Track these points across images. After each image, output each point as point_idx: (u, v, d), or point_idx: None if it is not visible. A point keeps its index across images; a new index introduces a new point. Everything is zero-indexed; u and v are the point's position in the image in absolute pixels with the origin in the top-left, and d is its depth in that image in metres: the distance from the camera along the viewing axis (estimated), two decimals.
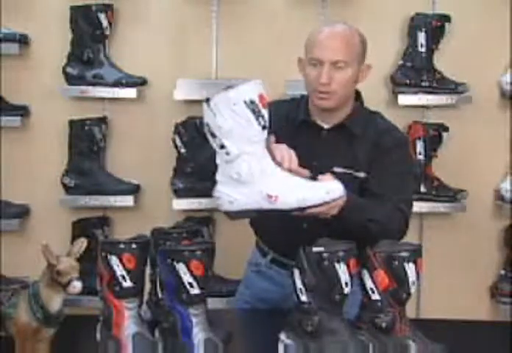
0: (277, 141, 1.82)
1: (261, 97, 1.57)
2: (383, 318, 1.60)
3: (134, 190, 3.05)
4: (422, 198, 3.05)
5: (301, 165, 1.74)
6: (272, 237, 2.14)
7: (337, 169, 1.96)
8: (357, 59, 1.98)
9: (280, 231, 2.07)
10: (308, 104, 2.07)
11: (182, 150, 2.96)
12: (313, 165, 1.82)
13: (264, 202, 1.63)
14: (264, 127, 1.60)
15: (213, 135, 1.60)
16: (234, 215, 1.67)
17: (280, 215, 1.99)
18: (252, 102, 1.56)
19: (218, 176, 1.66)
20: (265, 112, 1.59)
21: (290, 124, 2.06)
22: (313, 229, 1.99)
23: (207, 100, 1.58)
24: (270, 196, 1.62)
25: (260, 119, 1.58)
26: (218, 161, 1.65)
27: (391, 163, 1.98)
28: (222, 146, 1.60)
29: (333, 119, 2.04)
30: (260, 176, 1.62)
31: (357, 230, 1.85)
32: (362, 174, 1.99)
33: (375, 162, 1.98)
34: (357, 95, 2.10)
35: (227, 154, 1.60)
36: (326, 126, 2.05)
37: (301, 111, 2.07)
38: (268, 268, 2.17)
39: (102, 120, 3.04)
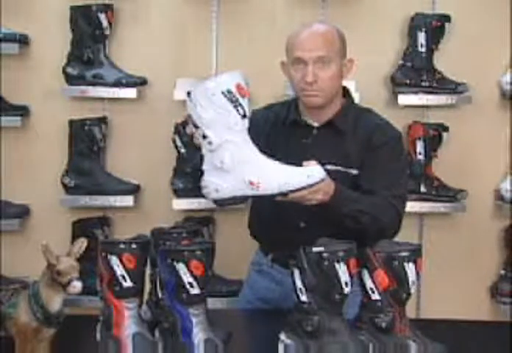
0: (269, 142, 1.91)
1: (238, 87, 1.62)
2: (383, 318, 1.60)
3: (134, 190, 3.05)
4: (422, 198, 3.06)
5: (294, 164, 1.76)
6: (271, 237, 2.14)
7: (329, 167, 1.97)
8: (339, 54, 2.01)
9: (278, 231, 2.08)
10: (298, 104, 2.10)
11: (182, 150, 2.96)
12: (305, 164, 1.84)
13: (247, 189, 1.67)
14: (244, 116, 1.65)
15: (196, 126, 1.66)
16: (221, 203, 1.71)
17: (276, 214, 2.01)
18: (229, 92, 1.61)
19: (204, 166, 1.71)
20: (243, 102, 1.64)
21: (282, 125, 2.11)
22: (311, 228, 2.00)
23: (189, 93, 1.64)
24: (252, 183, 1.66)
25: (239, 108, 1.63)
26: (203, 151, 1.70)
27: (382, 160, 2.00)
28: (204, 136, 1.65)
29: (322, 117, 2.06)
30: (242, 164, 1.67)
31: (349, 222, 1.88)
32: (354, 171, 2.01)
33: (366, 159, 2.00)
34: (346, 92, 2.12)
35: (210, 143, 1.66)
36: (316, 125, 2.07)
37: (292, 111, 2.11)
38: (269, 268, 2.17)
39: (102, 120, 3.04)
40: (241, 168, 1.67)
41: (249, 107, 1.67)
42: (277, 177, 1.67)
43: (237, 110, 1.63)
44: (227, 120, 1.63)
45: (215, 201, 1.72)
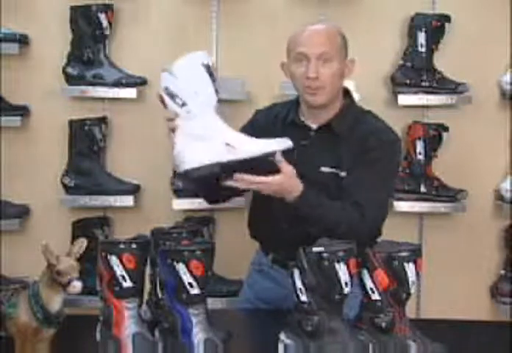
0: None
1: (212, 64, 1.76)
2: (383, 318, 1.60)
3: (134, 190, 3.05)
4: (422, 198, 3.06)
5: (293, 165, 1.83)
6: (269, 237, 2.14)
7: (323, 169, 2.00)
8: (340, 53, 2.02)
9: (278, 231, 2.08)
10: (299, 104, 2.11)
11: None
12: (301, 165, 1.88)
13: (226, 153, 1.71)
14: (217, 91, 1.75)
15: (173, 96, 1.74)
16: (195, 174, 1.74)
17: (272, 214, 2.01)
18: (208, 66, 1.73)
19: (176, 139, 1.77)
20: (215, 79, 1.75)
21: (281, 125, 2.11)
22: (294, 229, 2.00)
23: (166, 69, 1.74)
24: (230, 145, 1.71)
25: (215, 83, 1.75)
26: (177, 122, 1.77)
27: (369, 164, 1.98)
28: (183, 104, 1.73)
29: (321, 119, 2.07)
30: (219, 131, 1.74)
31: (311, 225, 1.92)
32: (344, 174, 2.01)
33: (356, 162, 1.99)
34: (347, 93, 2.12)
35: (188, 112, 1.73)
36: (313, 126, 2.08)
37: (292, 112, 2.11)
38: (269, 268, 2.18)
39: (102, 120, 3.04)
40: (219, 134, 1.73)
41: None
42: (254, 142, 1.75)
43: (213, 84, 1.74)
44: (206, 91, 1.73)
45: (188, 173, 1.74)
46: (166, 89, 1.74)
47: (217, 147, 1.72)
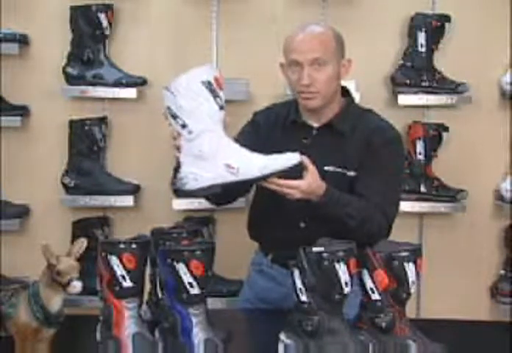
0: (269, 142, 1.92)
1: (216, 79, 1.69)
2: (383, 318, 1.59)
3: (134, 190, 3.05)
4: (422, 198, 3.06)
5: None
6: (271, 237, 2.14)
7: (328, 168, 1.99)
8: (335, 56, 2.01)
9: (278, 231, 2.08)
10: (298, 104, 2.10)
11: None
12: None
13: (227, 174, 1.69)
14: (221, 107, 1.70)
15: (175, 117, 1.70)
16: (199, 193, 1.74)
17: (277, 213, 2.01)
18: (209, 83, 1.68)
19: (182, 158, 1.75)
20: (221, 94, 1.70)
21: (282, 125, 2.11)
22: (311, 228, 2.00)
23: (166, 87, 1.69)
24: (231, 167, 1.68)
25: (217, 99, 1.69)
26: (181, 142, 1.73)
27: (380, 164, 1.99)
28: (184, 126, 1.70)
29: (321, 118, 2.07)
30: (221, 150, 1.70)
31: (336, 225, 1.90)
32: (352, 173, 2.01)
33: (364, 161, 1.99)
34: (346, 93, 2.12)
35: (189, 132, 1.70)
36: (315, 125, 2.07)
37: (292, 112, 2.11)
38: (269, 268, 2.17)
39: (102, 120, 3.04)
40: (220, 155, 1.70)
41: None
42: (256, 162, 1.70)
43: (217, 101, 1.69)
44: (207, 110, 1.68)
45: (192, 192, 1.73)
46: (168, 108, 1.71)
47: (219, 169, 1.69)
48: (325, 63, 1.97)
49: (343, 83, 2.11)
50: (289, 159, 1.72)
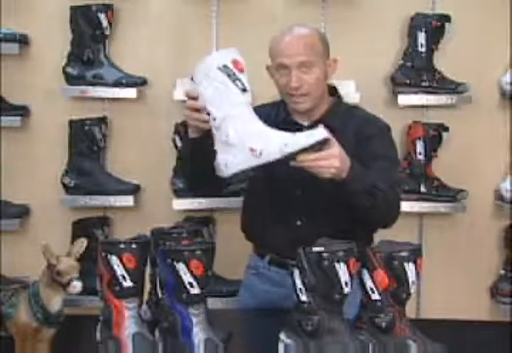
0: None
1: (235, 62, 1.68)
2: (383, 318, 1.60)
3: (134, 190, 3.05)
4: (422, 198, 3.06)
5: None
6: (267, 238, 2.14)
7: None
8: (322, 57, 2.01)
9: (274, 231, 2.08)
10: (287, 104, 2.10)
11: None
12: None
13: (251, 158, 1.68)
14: (244, 90, 1.69)
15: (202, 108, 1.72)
16: (232, 180, 1.81)
17: (272, 212, 2.01)
18: (226, 67, 1.67)
19: (215, 146, 1.75)
20: (242, 76, 1.68)
21: (272, 125, 2.08)
22: (308, 226, 2.00)
23: (191, 77, 1.71)
24: (253, 150, 1.66)
25: (237, 82, 1.68)
26: (213, 131, 1.75)
27: (374, 149, 2.00)
28: (209, 113, 1.71)
29: (312, 116, 2.08)
30: (245, 134, 1.69)
31: (364, 200, 1.84)
32: None
33: (358, 151, 1.96)
34: (334, 90, 2.13)
35: (214, 119, 1.71)
36: (306, 124, 2.08)
37: (281, 111, 2.12)
38: (266, 270, 2.17)
39: (102, 120, 3.04)
40: (245, 139, 1.68)
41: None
42: (277, 141, 1.65)
43: (236, 84, 1.67)
44: (227, 95, 1.68)
45: (226, 179, 1.76)
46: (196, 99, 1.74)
47: (244, 154, 1.68)
48: (312, 65, 1.98)
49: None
50: (312, 135, 1.64)
